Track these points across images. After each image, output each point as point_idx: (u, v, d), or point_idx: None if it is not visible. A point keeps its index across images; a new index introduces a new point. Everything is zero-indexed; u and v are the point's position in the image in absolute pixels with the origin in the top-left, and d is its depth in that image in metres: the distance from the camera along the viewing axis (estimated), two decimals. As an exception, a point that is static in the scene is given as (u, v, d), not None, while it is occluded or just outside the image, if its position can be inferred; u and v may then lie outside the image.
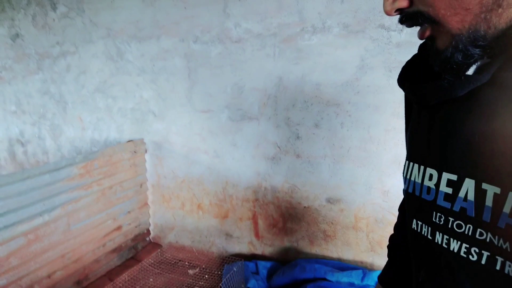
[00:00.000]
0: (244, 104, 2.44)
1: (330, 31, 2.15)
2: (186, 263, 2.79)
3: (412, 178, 0.60)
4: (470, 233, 0.49)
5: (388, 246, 0.90)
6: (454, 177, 0.50)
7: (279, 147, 2.38)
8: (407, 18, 0.51)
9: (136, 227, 2.88)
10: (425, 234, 0.57)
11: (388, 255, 0.90)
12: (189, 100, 2.64)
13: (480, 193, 0.47)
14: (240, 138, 2.51)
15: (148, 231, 3.01)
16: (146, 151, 2.86)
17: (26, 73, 3.31)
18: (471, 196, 0.48)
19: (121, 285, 2.50)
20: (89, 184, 2.43)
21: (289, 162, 2.36)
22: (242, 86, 2.42)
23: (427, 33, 0.52)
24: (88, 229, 2.47)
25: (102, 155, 2.50)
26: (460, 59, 0.48)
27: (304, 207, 2.37)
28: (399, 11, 0.51)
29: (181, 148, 2.73)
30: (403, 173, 0.65)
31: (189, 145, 2.70)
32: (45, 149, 3.40)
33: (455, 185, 0.50)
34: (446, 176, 0.52)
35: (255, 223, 2.57)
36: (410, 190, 0.61)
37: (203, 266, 2.72)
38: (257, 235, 2.59)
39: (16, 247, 2.04)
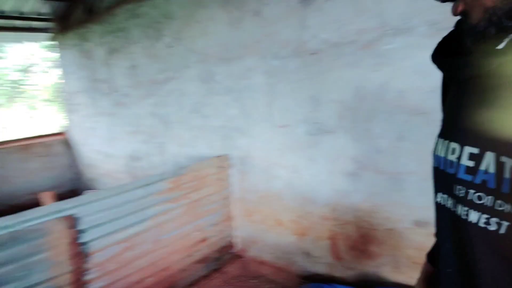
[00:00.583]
0: (321, 117, 2.23)
1: (414, 31, 1.82)
2: (267, 278, 2.66)
3: (438, 153, 0.61)
4: (489, 204, 0.50)
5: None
6: (475, 150, 0.51)
7: (358, 162, 2.09)
8: None
9: (221, 239, 2.88)
10: (448, 207, 0.58)
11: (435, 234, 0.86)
12: (270, 116, 2.55)
13: (499, 166, 0.48)
14: (317, 152, 2.30)
15: (232, 243, 2.98)
16: (231, 166, 2.86)
17: (140, 98, 3.69)
18: (492, 169, 0.49)
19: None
20: (178, 197, 2.52)
21: (370, 179, 2.05)
22: (318, 99, 2.23)
23: (460, 7, 0.51)
24: (176, 239, 2.56)
25: (190, 170, 2.58)
26: (494, 32, 0.47)
27: (387, 229, 2.02)
28: None
29: (262, 163, 2.65)
30: (433, 150, 0.65)
31: (269, 160, 2.60)
32: (153, 165, 3.72)
33: (477, 159, 0.51)
34: (467, 149, 0.52)
35: (334, 243, 2.30)
36: (435, 165, 0.62)
37: (281, 284, 2.55)
38: (336, 256, 2.31)
39: (113, 253, 2.21)
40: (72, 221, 1.97)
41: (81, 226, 2.04)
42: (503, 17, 0.45)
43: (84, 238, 2.07)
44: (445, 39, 0.62)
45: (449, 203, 0.58)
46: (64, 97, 5.10)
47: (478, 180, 0.51)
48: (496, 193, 0.49)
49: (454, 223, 0.57)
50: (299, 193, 2.45)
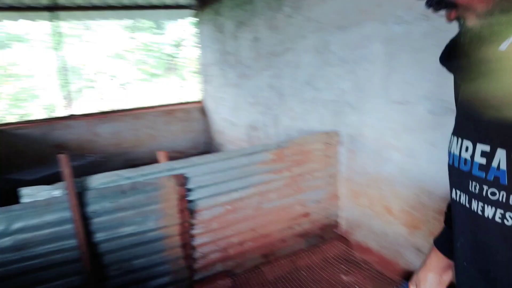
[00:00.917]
0: (450, 94, 1.80)
1: None
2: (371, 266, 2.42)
3: (452, 151, 0.61)
4: (504, 200, 0.50)
5: (445, 212, 0.88)
6: (487, 147, 0.51)
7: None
8: (433, 3, 0.52)
9: (324, 217, 2.74)
10: (463, 203, 0.58)
11: (445, 221, 0.87)
12: (386, 90, 2.21)
13: (510, 162, 0.48)
14: (440, 136, 1.89)
15: (336, 223, 2.80)
16: (340, 144, 2.64)
17: (260, 70, 3.73)
18: (503, 165, 0.49)
19: (304, 271, 2.45)
20: (281, 169, 2.48)
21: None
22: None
23: (453, 14, 0.52)
24: (277, 210, 2.54)
25: (294, 144, 2.49)
26: (489, 35, 0.48)
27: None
28: None
29: (374, 142, 2.35)
30: (448, 147, 0.64)
31: (382, 140, 2.28)
32: (268, 135, 3.77)
33: (488, 156, 0.51)
34: (480, 147, 0.53)
35: (452, 247, 1.90)
36: (450, 162, 0.62)
37: (385, 275, 2.28)
38: (453, 262, 1.91)
39: (216, 213, 2.34)
40: (182, 180, 2.14)
41: (189, 185, 2.21)
42: (496, 21, 0.46)
43: (192, 196, 2.24)
44: (452, 41, 0.60)
45: (464, 199, 0.58)
46: (201, 68, 5.59)
47: (490, 176, 0.51)
48: (509, 189, 0.49)
49: (470, 218, 0.58)
50: (414, 180, 2.09)
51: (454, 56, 0.58)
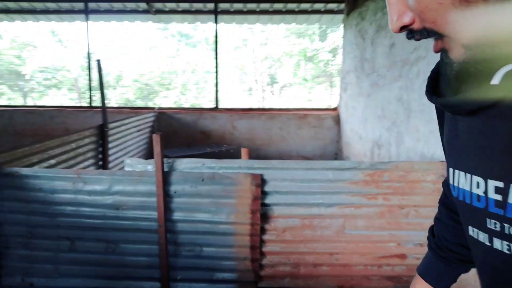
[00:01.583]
0: None
1: None
2: None
3: (460, 186, 0.57)
4: None
5: (428, 237, 0.85)
6: (500, 184, 0.48)
7: None
8: (414, 34, 0.49)
9: (424, 265, 2.24)
10: (483, 241, 0.55)
11: (429, 246, 0.84)
12: None
13: None
14: None
15: (445, 279, 2.25)
16: (461, 180, 2.11)
17: (392, 80, 3.35)
18: None
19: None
20: (374, 194, 2.17)
21: None
22: None
23: (439, 46, 0.50)
24: (364, 240, 2.24)
25: (395, 169, 2.14)
26: (478, 68, 0.45)
27: None
28: (405, 28, 0.49)
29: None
30: (449, 180, 0.61)
31: None
32: (390, 155, 3.35)
33: (503, 192, 0.48)
34: (492, 183, 0.50)
35: None
36: (460, 198, 0.58)
37: None
38: None
39: (291, 224, 2.25)
40: (258, 180, 2.14)
41: (266, 188, 2.19)
42: (484, 53, 0.44)
43: (267, 199, 2.21)
44: (435, 74, 0.57)
45: (484, 237, 0.54)
46: (341, 75, 5.43)
47: (509, 213, 0.48)
48: None
49: (493, 257, 0.54)
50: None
51: (441, 92, 0.55)
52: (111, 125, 4.00)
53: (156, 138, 2.07)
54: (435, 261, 0.82)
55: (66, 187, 2.20)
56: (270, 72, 10.38)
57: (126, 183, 2.18)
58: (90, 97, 5.94)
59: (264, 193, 2.20)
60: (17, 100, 10.14)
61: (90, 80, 5.89)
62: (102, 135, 3.81)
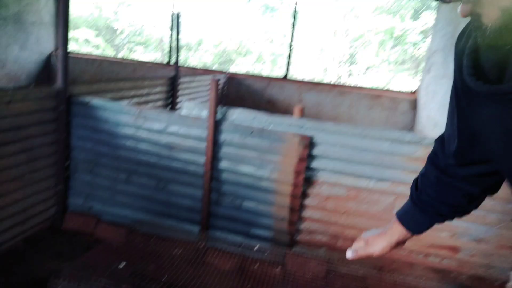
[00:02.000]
0: None
1: None
2: None
3: None
4: None
5: (412, 188, 0.90)
6: None
7: None
8: None
9: (482, 266, 2.02)
10: None
11: (411, 197, 0.90)
12: None
13: None
14: None
15: (502, 286, 2.01)
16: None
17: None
18: None
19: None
20: (433, 176, 1.99)
21: None
22: None
23: (467, 9, 0.47)
24: (413, 223, 2.08)
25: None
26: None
27: None
28: None
29: None
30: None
31: None
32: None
33: None
34: None
35: None
36: None
37: None
38: None
39: (336, 194, 2.18)
40: (307, 141, 2.09)
41: (314, 151, 2.13)
42: None
43: (314, 163, 2.16)
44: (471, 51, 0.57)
45: None
46: (426, 56, 4.96)
47: None
48: None
49: None
50: None
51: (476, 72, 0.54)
52: (182, 79, 4.20)
53: (213, 83, 2.12)
54: (415, 211, 0.88)
55: (128, 121, 2.38)
56: (351, 51, 9.91)
57: (181, 125, 2.29)
58: (170, 56, 6.28)
59: (312, 156, 2.14)
60: (110, 54, 11.14)
61: (171, 40, 6.21)
62: (173, 86, 4.03)
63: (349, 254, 1.01)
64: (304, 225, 2.27)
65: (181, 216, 2.42)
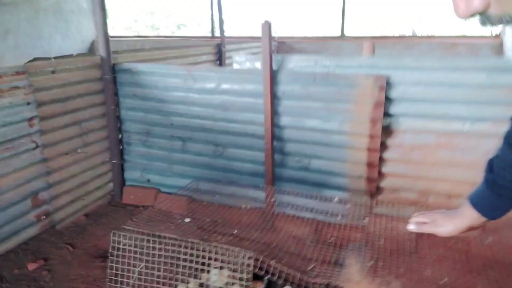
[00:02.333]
0: None
1: None
2: None
3: None
4: None
5: (485, 170, 0.88)
6: None
7: None
8: (488, 21, 0.47)
9: None
10: None
11: (486, 179, 0.87)
12: None
13: None
14: None
15: None
16: None
17: None
18: None
19: None
20: (550, 108, 1.68)
21: None
22: None
23: None
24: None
25: None
26: None
27: None
28: (475, 14, 0.47)
29: None
30: None
31: None
32: None
33: None
34: None
35: None
36: None
37: None
38: None
39: (423, 142, 1.94)
40: (383, 82, 1.87)
41: (392, 93, 1.91)
42: None
43: (393, 108, 1.93)
44: None
45: None
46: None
47: None
48: None
49: None
50: None
51: None
52: (228, 46, 4.11)
53: (265, 27, 1.97)
54: (490, 195, 0.85)
55: (178, 84, 2.32)
56: None
57: (234, 81, 2.17)
58: (213, 28, 6.21)
59: (390, 100, 1.92)
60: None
61: (212, 13, 6.11)
62: (219, 54, 3.96)
63: (411, 227, 1.03)
64: (385, 182, 2.06)
65: (244, 181, 2.34)
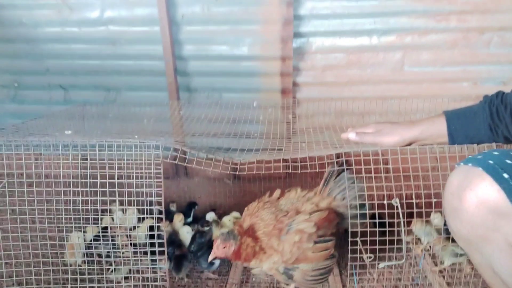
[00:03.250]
0: None
1: None
2: None
3: None
4: None
5: (491, 97, 0.93)
6: None
7: None
8: None
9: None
10: None
11: (488, 105, 0.92)
12: None
13: None
14: None
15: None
16: None
17: None
18: None
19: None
20: (445, 14, 1.78)
21: None
22: None
23: None
24: (428, 79, 1.92)
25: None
26: None
27: None
28: None
29: None
30: None
31: None
32: None
33: None
34: None
35: None
36: None
37: None
38: None
39: (334, 62, 1.92)
40: (291, -3, 1.78)
41: (300, 10, 1.82)
42: None
43: (302, 27, 1.86)
44: None
45: None
46: None
47: None
48: None
49: None
50: None
51: None
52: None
53: None
54: (482, 122, 0.90)
55: (50, 17, 1.92)
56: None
57: (121, 6, 1.86)
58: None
59: (299, 18, 1.84)
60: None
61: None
62: None
63: (352, 136, 1.03)
64: (300, 109, 2.01)
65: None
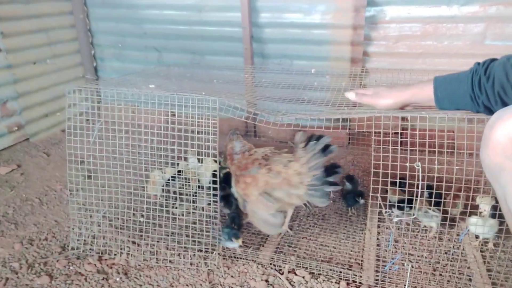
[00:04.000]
0: None
1: None
2: None
3: None
4: None
5: (477, 65, 0.98)
6: None
7: None
8: None
9: None
10: None
11: (474, 74, 0.96)
12: None
13: None
14: None
15: None
16: None
17: None
18: None
19: None
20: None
21: None
22: None
23: None
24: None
25: None
26: None
27: None
28: None
29: None
30: None
31: None
32: None
33: None
34: None
35: None
36: None
37: None
38: None
39: (408, 32, 1.91)
40: (365, -34, 1.81)
41: (376, -22, 1.85)
42: None
43: (377, -4, 1.88)
44: None
45: None
46: None
47: None
48: None
49: None
50: None
51: None
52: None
53: None
54: (465, 91, 0.94)
55: (148, -15, 2.23)
56: None
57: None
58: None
59: (373, -15, 1.87)
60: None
61: None
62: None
63: (352, 96, 1.09)
64: (368, 80, 2.06)
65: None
